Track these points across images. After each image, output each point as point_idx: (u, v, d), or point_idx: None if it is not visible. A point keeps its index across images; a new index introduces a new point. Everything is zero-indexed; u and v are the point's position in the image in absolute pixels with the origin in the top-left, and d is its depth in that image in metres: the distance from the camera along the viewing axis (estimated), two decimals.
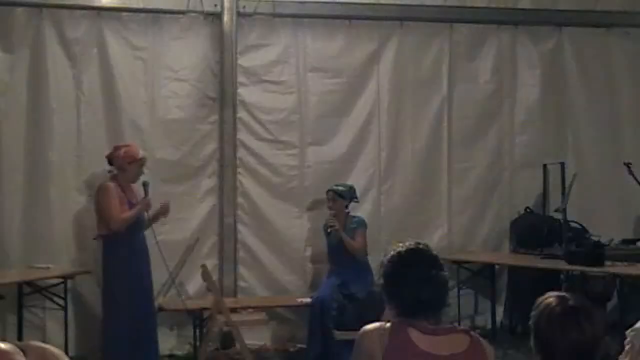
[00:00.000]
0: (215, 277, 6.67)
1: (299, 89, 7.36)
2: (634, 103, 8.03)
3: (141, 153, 6.04)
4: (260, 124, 7.28)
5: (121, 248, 5.77)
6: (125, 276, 5.76)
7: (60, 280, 6.42)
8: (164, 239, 6.30)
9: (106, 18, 6.94)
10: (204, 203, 7.14)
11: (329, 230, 6.60)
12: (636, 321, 3.06)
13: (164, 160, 7.00)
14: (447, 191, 7.64)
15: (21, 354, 2.00)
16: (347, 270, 6.52)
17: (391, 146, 7.54)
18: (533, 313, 2.46)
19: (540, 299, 2.47)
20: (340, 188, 6.74)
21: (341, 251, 6.59)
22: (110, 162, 5.97)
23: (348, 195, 6.72)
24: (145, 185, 5.94)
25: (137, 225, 5.87)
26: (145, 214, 5.92)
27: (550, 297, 2.45)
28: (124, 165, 5.89)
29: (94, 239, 6.03)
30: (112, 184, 5.86)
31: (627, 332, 3.04)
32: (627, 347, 3.01)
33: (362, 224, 6.67)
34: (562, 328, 2.37)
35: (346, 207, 6.71)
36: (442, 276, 2.54)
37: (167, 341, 6.70)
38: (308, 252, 7.26)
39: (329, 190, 6.71)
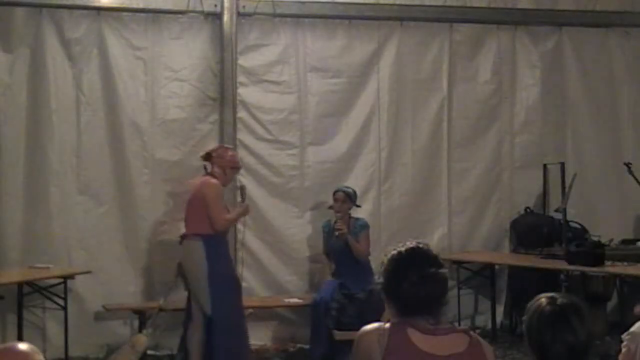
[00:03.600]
0: None
1: (299, 89, 7.36)
2: (634, 103, 8.03)
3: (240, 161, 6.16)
4: (260, 124, 7.28)
5: (222, 247, 5.78)
6: (227, 272, 5.78)
7: (60, 280, 6.42)
8: (164, 239, 6.30)
9: (106, 18, 6.94)
10: None
11: (337, 234, 6.51)
12: (634, 322, 3.06)
13: (164, 160, 7.01)
14: (447, 191, 7.64)
15: (40, 353, 2.03)
16: (349, 271, 6.51)
17: (391, 146, 7.54)
18: (525, 317, 2.46)
19: (531, 302, 2.47)
20: (349, 190, 6.69)
21: (346, 253, 6.55)
22: (208, 159, 5.90)
23: (355, 198, 6.69)
24: (242, 189, 6.00)
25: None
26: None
27: (541, 299, 2.45)
28: (226, 168, 5.86)
29: (183, 239, 5.81)
30: (219, 182, 5.76)
31: (623, 335, 3.04)
32: (623, 350, 3.01)
33: (365, 226, 6.63)
34: (554, 328, 2.37)
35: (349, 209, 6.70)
36: (442, 273, 2.54)
37: (168, 341, 6.70)
38: (308, 252, 7.26)
39: (338, 191, 6.64)
